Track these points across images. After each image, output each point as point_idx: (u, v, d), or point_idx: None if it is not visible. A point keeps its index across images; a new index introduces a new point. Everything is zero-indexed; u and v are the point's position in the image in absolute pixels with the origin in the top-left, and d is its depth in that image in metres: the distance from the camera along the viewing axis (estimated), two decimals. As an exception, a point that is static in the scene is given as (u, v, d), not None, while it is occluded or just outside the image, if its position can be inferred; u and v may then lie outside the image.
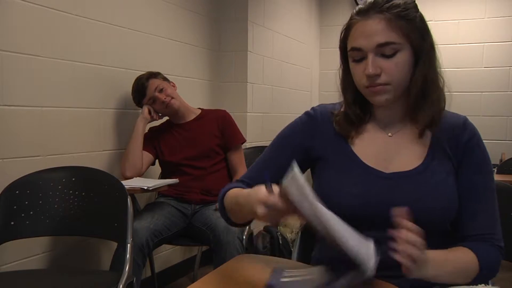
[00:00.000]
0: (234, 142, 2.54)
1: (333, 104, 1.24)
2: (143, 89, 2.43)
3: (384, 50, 1.05)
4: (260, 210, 0.93)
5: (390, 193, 1.08)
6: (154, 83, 2.43)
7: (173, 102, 2.47)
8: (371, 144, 1.15)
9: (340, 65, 1.18)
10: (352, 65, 1.12)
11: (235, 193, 1.15)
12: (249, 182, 1.22)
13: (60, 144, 2.19)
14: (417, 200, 1.06)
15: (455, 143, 1.12)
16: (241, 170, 2.53)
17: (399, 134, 1.15)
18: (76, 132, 2.27)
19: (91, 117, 2.36)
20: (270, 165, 1.24)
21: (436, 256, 0.98)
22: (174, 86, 2.55)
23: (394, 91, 1.09)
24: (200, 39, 3.24)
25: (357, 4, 5.21)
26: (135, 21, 2.62)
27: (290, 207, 0.90)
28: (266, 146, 3.95)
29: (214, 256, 2.20)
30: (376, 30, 1.05)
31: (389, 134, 1.16)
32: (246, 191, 1.06)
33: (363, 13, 1.08)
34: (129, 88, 2.58)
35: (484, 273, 1.05)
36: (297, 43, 4.32)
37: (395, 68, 1.06)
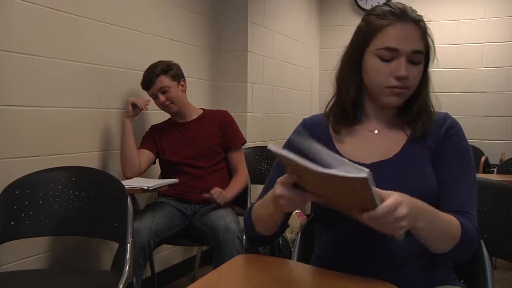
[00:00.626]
0: (235, 143, 2.54)
1: (322, 113, 1.28)
2: (150, 84, 2.44)
3: (414, 57, 1.11)
4: (278, 190, 0.98)
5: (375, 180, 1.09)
6: (161, 82, 2.42)
7: (171, 106, 2.47)
8: (357, 142, 1.20)
9: (348, 62, 1.19)
10: (378, 63, 1.12)
11: (259, 201, 1.17)
12: None
13: (60, 144, 2.19)
14: (397, 184, 1.06)
15: (435, 133, 1.15)
16: (241, 170, 2.54)
17: (384, 130, 1.20)
18: (76, 132, 2.27)
19: (91, 117, 2.36)
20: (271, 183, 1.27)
21: (425, 205, 1.00)
22: (183, 85, 2.53)
23: (407, 96, 1.14)
24: (200, 39, 3.24)
25: (358, 5, 5.18)
26: (135, 21, 2.62)
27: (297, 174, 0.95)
28: (266, 146, 3.92)
29: (214, 256, 2.21)
30: (413, 36, 1.10)
31: (375, 131, 1.20)
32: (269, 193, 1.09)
33: (399, 16, 1.11)
34: (129, 88, 2.58)
35: (464, 242, 1.04)
36: (297, 43, 4.32)
37: (417, 75, 1.13)
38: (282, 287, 0.99)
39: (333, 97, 1.23)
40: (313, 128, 1.26)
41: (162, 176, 2.62)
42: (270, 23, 3.75)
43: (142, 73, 2.64)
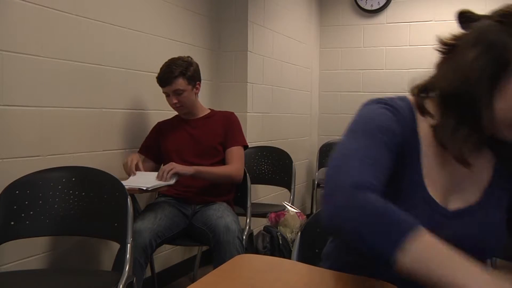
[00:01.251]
0: (234, 142, 2.52)
1: (397, 98, 0.98)
2: (165, 84, 2.41)
3: None
4: None
5: (450, 232, 0.90)
6: (177, 84, 2.39)
7: (180, 109, 2.48)
8: (441, 169, 0.96)
9: (485, 76, 0.88)
10: None
11: (446, 254, 0.74)
12: (381, 188, 0.85)
13: (60, 144, 2.19)
14: (471, 238, 0.94)
15: None
16: (234, 163, 2.47)
17: (470, 158, 0.94)
18: (76, 132, 2.27)
19: (91, 117, 2.36)
20: (379, 166, 0.89)
21: None
22: (198, 88, 2.50)
23: None
24: (200, 39, 3.24)
25: (357, 5, 5.17)
26: (135, 21, 2.62)
27: None
28: (266, 146, 3.93)
29: (213, 256, 2.21)
30: None
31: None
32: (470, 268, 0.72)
33: None
34: (129, 88, 2.58)
35: None
36: (297, 43, 4.32)
37: None
38: (282, 287, 0.99)
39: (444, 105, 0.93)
40: (402, 117, 0.94)
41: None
42: (270, 23, 3.75)
43: (142, 73, 2.64)
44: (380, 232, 0.75)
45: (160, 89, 2.45)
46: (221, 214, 2.28)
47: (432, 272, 0.72)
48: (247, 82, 3.44)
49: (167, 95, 2.45)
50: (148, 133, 2.59)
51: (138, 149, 2.57)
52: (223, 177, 2.44)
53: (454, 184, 0.96)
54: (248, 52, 3.43)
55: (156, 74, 2.43)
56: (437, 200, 0.95)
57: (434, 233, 0.79)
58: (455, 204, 0.95)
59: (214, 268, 2.20)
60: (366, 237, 0.76)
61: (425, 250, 0.73)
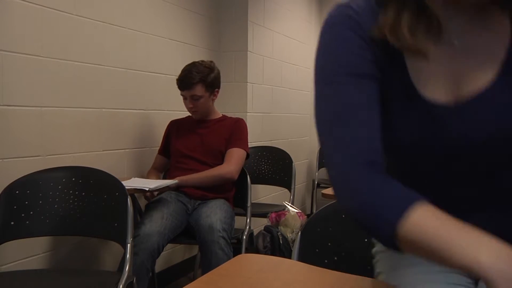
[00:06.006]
0: (235, 144, 2.52)
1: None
2: (184, 88, 2.45)
3: None
4: None
5: (460, 126, 0.78)
6: (196, 90, 2.44)
7: (194, 113, 2.53)
8: (433, 61, 0.78)
9: None
10: None
11: (437, 232, 0.65)
12: (380, 160, 0.77)
13: (60, 144, 2.19)
14: (494, 129, 0.77)
15: None
16: (228, 163, 2.47)
17: (468, 35, 0.78)
18: (76, 132, 2.27)
19: (91, 117, 2.36)
20: (369, 126, 0.78)
21: None
22: (215, 95, 2.55)
23: None
24: (200, 39, 3.24)
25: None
26: (135, 21, 2.62)
27: None
28: (266, 146, 3.95)
29: (201, 256, 2.21)
30: None
31: (455, 41, 0.77)
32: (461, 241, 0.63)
33: None
34: (128, 88, 2.58)
35: None
36: (297, 43, 4.32)
37: None
38: (282, 287, 0.99)
39: None
40: (366, 25, 0.79)
41: (168, 166, 2.63)
42: (270, 23, 3.75)
43: (142, 73, 2.64)
44: (377, 214, 0.71)
45: (160, 89, 2.46)
46: (210, 213, 2.26)
47: (435, 243, 0.64)
48: (247, 82, 3.44)
49: (184, 98, 2.49)
50: (147, 132, 2.61)
51: (138, 149, 2.58)
52: (212, 178, 2.45)
53: (457, 72, 0.78)
54: (248, 52, 3.43)
55: (156, 74, 2.44)
56: (435, 98, 0.79)
57: (438, 135, 0.77)
58: (461, 92, 0.78)
59: (202, 269, 2.20)
60: (364, 221, 0.73)
61: (426, 222, 0.66)
